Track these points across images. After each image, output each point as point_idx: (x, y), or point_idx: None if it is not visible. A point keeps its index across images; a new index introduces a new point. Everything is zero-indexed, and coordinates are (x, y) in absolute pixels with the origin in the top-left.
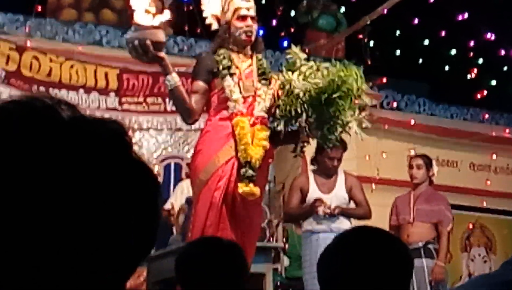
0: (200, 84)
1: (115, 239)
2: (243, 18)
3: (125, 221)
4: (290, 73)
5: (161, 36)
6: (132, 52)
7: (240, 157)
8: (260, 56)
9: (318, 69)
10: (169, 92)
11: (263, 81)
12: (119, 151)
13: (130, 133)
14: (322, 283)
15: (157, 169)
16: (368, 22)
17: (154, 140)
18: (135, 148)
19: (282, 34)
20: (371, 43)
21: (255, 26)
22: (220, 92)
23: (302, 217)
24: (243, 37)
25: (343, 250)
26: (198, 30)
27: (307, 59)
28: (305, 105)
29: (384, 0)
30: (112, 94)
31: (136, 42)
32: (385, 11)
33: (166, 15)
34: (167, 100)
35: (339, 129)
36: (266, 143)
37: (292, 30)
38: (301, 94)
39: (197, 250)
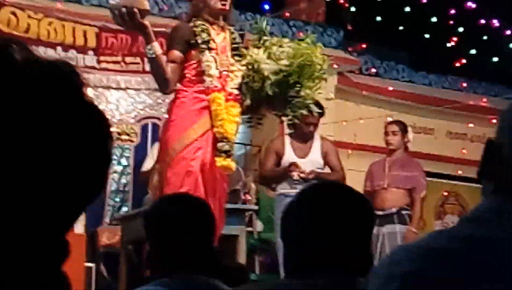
0: (176, 54)
1: (63, 180)
2: None
3: (74, 163)
4: (256, 50)
5: (146, 3)
6: (117, 18)
7: (217, 132)
8: (232, 29)
9: (281, 46)
10: (149, 60)
11: (236, 57)
12: (70, 93)
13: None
14: (286, 239)
15: (134, 128)
16: None
17: (132, 100)
18: (112, 106)
19: None
20: (352, 9)
21: None
22: (196, 65)
23: (276, 180)
24: (218, 5)
25: (305, 205)
26: None
27: (271, 33)
28: (272, 86)
29: None
30: (90, 52)
31: (123, 9)
32: None
33: None
34: (145, 59)
35: (301, 107)
36: (239, 120)
37: None
38: (269, 76)
39: (165, 206)
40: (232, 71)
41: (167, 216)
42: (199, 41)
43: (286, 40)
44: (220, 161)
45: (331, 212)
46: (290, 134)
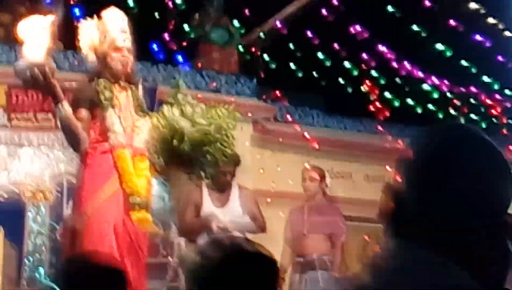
0: (83, 112)
1: None
2: (119, 49)
3: None
4: (168, 108)
5: (53, 64)
6: (27, 80)
7: (126, 188)
8: (134, 87)
9: (194, 106)
10: (60, 119)
11: (140, 113)
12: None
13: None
14: None
15: (49, 186)
16: (262, 35)
17: (45, 157)
18: (26, 164)
19: (175, 48)
20: (265, 56)
21: (131, 57)
22: (100, 123)
23: (196, 232)
24: (119, 66)
25: (213, 268)
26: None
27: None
28: (189, 145)
29: (277, 13)
30: (0, 110)
31: (36, 70)
32: (278, 24)
33: (47, 42)
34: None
35: (213, 166)
36: (148, 174)
37: (185, 44)
38: (188, 134)
39: (74, 266)
40: (137, 127)
41: (72, 279)
42: (102, 98)
43: (199, 104)
44: (135, 214)
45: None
46: (207, 185)
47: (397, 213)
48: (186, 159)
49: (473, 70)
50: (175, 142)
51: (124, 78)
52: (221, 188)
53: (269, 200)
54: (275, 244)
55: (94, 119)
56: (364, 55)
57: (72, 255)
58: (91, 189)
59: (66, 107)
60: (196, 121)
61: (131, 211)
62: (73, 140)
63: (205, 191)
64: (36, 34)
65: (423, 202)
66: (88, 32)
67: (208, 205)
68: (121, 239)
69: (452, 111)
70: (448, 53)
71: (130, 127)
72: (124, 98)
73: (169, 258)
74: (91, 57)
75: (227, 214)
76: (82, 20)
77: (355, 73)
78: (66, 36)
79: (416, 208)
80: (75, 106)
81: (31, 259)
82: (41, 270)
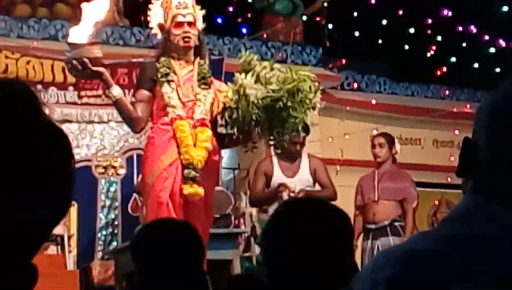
0: (144, 93)
1: (27, 200)
2: (180, 24)
3: (38, 181)
4: (243, 75)
5: (96, 52)
6: (71, 71)
7: (183, 159)
8: (202, 61)
9: (272, 69)
10: (114, 103)
11: (202, 86)
12: (29, 112)
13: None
14: (266, 256)
15: (120, 161)
16: (325, 4)
17: (115, 132)
18: (97, 140)
19: (240, 20)
20: (330, 26)
21: (193, 32)
22: (160, 99)
23: (267, 202)
24: (181, 43)
25: (283, 222)
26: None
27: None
28: (259, 111)
29: None
30: (70, 88)
31: (74, 62)
32: None
33: (95, 31)
34: (126, 91)
35: (288, 133)
36: (208, 145)
37: (249, 15)
38: (255, 101)
39: (150, 232)
40: (199, 99)
41: (152, 243)
42: (159, 76)
43: (277, 65)
44: (187, 189)
45: (306, 227)
46: (277, 155)
47: (475, 167)
48: (256, 126)
49: None
50: (243, 110)
51: (189, 52)
52: (291, 157)
53: (338, 168)
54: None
55: (155, 96)
56: (429, 21)
57: (146, 225)
58: (152, 160)
59: (114, 93)
60: (269, 86)
61: (184, 184)
62: (126, 121)
63: (275, 161)
64: (87, 18)
65: (496, 150)
66: (155, 10)
67: (279, 175)
68: (177, 208)
69: None
70: None
71: (192, 100)
72: (187, 73)
73: (242, 227)
74: (159, 35)
75: (297, 184)
76: None
77: (421, 39)
78: (132, 12)
79: (490, 158)
80: (138, 85)
81: (104, 233)
82: (114, 244)
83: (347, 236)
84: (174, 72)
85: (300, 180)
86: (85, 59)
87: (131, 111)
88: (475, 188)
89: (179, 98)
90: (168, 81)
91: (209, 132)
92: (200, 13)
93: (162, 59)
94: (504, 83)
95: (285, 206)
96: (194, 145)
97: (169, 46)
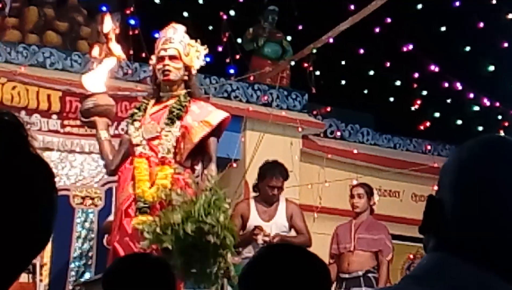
0: (124, 137)
1: (10, 231)
2: (161, 59)
3: (20, 214)
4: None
5: (100, 100)
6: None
7: (136, 194)
8: (182, 94)
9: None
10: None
11: (167, 120)
12: (16, 144)
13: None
14: None
15: (98, 192)
16: (314, 51)
17: (96, 163)
18: (76, 170)
19: (228, 60)
20: (317, 72)
21: (175, 65)
22: (130, 139)
23: (241, 244)
24: (161, 77)
25: (262, 266)
26: (143, 55)
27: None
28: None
29: (330, 29)
30: (54, 116)
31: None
32: (331, 40)
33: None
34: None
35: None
36: (165, 182)
37: (238, 57)
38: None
39: (123, 266)
40: (164, 136)
41: (124, 277)
42: (128, 118)
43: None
44: (134, 220)
45: (285, 274)
46: (255, 197)
47: (439, 225)
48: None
49: None
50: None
51: (173, 87)
52: (269, 201)
53: (316, 215)
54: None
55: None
56: (416, 75)
57: (120, 258)
58: (116, 197)
59: (101, 135)
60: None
61: (135, 216)
62: (104, 162)
63: (252, 203)
64: (98, 71)
65: (461, 208)
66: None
67: (255, 218)
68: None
69: (502, 133)
70: (499, 74)
71: (157, 137)
72: (159, 109)
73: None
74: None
75: (273, 228)
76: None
77: (406, 92)
78: (121, 46)
79: (455, 215)
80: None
81: (78, 263)
82: (87, 275)
83: (325, 285)
84: (145, 111)
85: (276, 224)
86: (83, 108)
87: (105, 155)
88: (438, 245)
89: (143, 136)
90: (133, 121)
91: (168, 170)
92: (195, 51)
93: (142, 100)
94: (469, 141)
95: (265, 252)
96: (153, 183)
97: (156, 84)
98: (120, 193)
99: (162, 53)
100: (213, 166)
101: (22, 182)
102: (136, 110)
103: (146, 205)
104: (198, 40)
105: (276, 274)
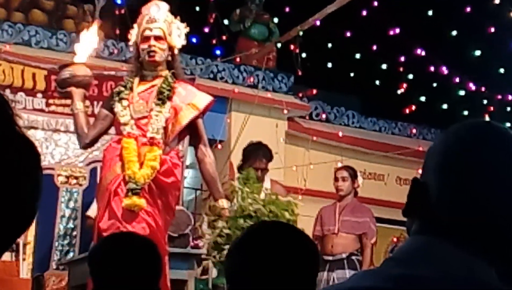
0: (101, 111)
1: None
2: (147, 39)
3: (5, 193)
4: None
5: (77, 71)
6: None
7: (125, 175)
8: (169, 75)
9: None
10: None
11: (157, 101)
12: (1, 123)
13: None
14: (230, 277)
15: (83, 172)
16: (301, 33)
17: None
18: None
19: (214, 41)
20: (303, 54)
21: (161, 46)
22: (117, 118)
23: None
24: (146, 57)
25: (249, 244)
26: (129, 34)
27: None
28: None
29: (317, 11)
30: (39, 95)
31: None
32: (318, 22)
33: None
34: (95, 103)
35: None
36: (155, 164)
37: (224, 38)
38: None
39: (109, 244)
40: (152, 116)
41: (109, 256)
42: (114, 95)
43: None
44: (125, 201)
45: (273, 250)
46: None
47: (423, 208)
48: None
49: (510, 78)
50: None
51: (157, 67)
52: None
53: (300, 197)
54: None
55: (115, 115)
56: (402, 58)
57: (106, 237)
58: (101, 175)
59: (76, 106)
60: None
61: (125, 197)
62: (76, 135)
63: (237, 183)
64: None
65: (446, 191)
66: (135, 28)
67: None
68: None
69: (487, 118)
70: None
71: (145, 116)
72: (146, 88)
73: (201, 249)
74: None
75: None
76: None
77: (392, 75)
78: (107, 25)
79: (439, 199)
80: (103, 103)
81: (62, 242)
82: (71, 254)
83: (313, 262)
84: (132, 89)
85: None
86: (59, 78)
87: (79, 127)
88: (422, 228)
89: (131, 115)
90: (120, 99)
91: (157, 152)
92: (176, 29)
93: (126, 77)
94: (455, 126)
95: (251, 229)
96: (141, 164)
97: (137, 62)
98: (107, 172)
99: (147, 32)
100: (209, 150)
101: (7, 160)
102: (122, 88)
103: (138, 187)
104: (178, 17)
105: (263, 251)
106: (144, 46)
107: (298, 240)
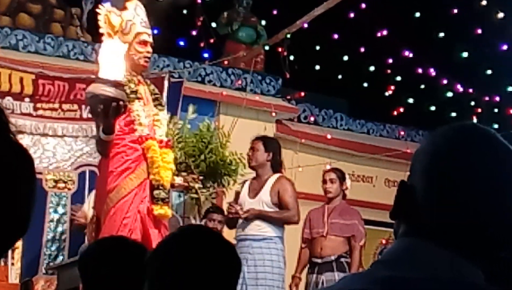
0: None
1: None
2: (145, 43)
3: (1, 200)
4: None
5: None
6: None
7: (153, 180)
8: (148, 82)
9: None
10: (100, 141)
11: (159, 107)
12: None
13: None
14: (149, 282)
15: (71, 176)
16: (288, 36)
17: (69, 147)
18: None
19: (202, 44)
20: (291, 57)
21: (151, 51)
22: (126, 115)
23: (229, 224)
24: (142, 62)
25: (167, 250)
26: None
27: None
28: None
29: (304, 14)
30: (27, 99)
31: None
32: (305, 25)
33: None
34: (83, 107)
35: None
36: (173, 166)
37: (212, 41)
38: None
39: (100, 248)
40: (158, 120)
41: (100, 259)
42: (128, 91)
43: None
44: (157, 209)
45: (191, 255)
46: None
47: (410, 211)
48: None
49: (498, 79)
50: None
51: (142, 72)
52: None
53: None
54: (292, 244)
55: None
56: (390, 60)
57: (98, 240)
58: (118, 176)
59: (110, 138)
60: None
61: (154, 205)
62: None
63: (246, 183)
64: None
65: (433, 194)
66: (113, 14)
67: (243, 196)
68: (145, 228)
69: (475, 119)
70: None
71: (152, 120)
72: (144, 92)
73: None
74: (106, 37)
75: (254, 204)
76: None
77: (380, 77)
78: (95, 28)
79: (426, 201)
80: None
81: (51, 247)
82: (61, 259)
83: (235, 269)
84: (138, 89)
85: (259, 201)
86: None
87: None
88: (409, 231)
89: (146, 117)
90: (138, 98)
91: (172, 154)
92: None
93: (128, 73)
94: (442, 128)
95: (168, 236)
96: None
97: (126, 61)
98: (130, 173)
99: (145, 37)
100: None
101: (3, 168)
102: (135, 86)
103: (167, 196)
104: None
105: (180, 256)
106: (142, 49)
107: (217, 246)
